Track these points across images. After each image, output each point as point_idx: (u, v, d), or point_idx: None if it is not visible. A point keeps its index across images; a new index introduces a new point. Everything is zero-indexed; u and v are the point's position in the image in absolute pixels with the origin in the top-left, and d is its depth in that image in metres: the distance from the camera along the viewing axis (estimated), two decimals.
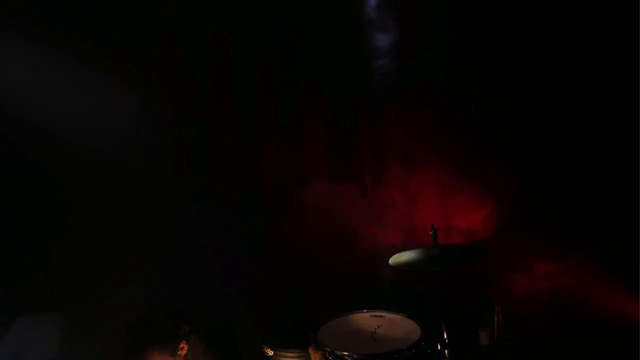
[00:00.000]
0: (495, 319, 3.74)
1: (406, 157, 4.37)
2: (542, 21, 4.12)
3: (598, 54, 4.02)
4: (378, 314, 3.48)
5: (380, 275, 4.25)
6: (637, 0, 3.74)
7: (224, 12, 4.21)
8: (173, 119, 4.16)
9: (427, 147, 4.29)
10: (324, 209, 4.34)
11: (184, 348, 3.32)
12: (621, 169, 3.97)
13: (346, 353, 3.06)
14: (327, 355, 3.11)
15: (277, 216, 4.37)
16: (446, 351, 3.12)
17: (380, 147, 4.43)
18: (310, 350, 3.24)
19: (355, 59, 4.34)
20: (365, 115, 4.42)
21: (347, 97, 4.41)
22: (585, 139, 4.12)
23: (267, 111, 4.38)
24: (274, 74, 4.35)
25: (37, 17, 3.59)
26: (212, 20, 4.20)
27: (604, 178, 4.08)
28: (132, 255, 3.77)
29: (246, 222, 4.38)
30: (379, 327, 3.34)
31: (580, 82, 4.11)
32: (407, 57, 4.31)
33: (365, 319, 3.45)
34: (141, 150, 3.96)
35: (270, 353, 3.43)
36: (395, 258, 3.40)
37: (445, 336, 3.13)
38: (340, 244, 4.32)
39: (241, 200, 4.40)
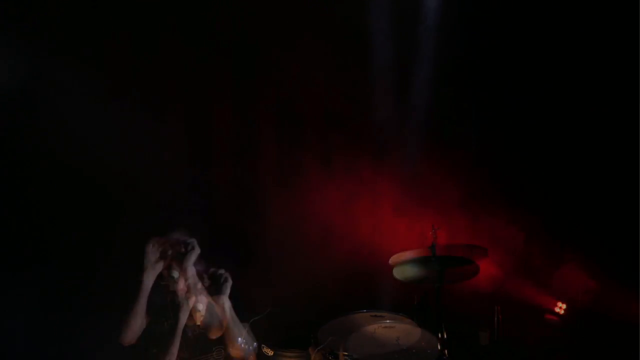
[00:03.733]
0: (495, 319, 3.74)
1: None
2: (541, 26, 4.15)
3: (599, 56, 4.04)
4: (378, 314, 3.48)
5: (381, 275, 4.25)
6: (637, 1, 3.75)
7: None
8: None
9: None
10: (324, 213, 4.35)
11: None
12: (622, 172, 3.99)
13: (346, 353, 3.06)
14: (327, 355, 3.11)
15: (277, 216, 4.38)
16: (446, 351, 3.11)
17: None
18: (310, 350, 3.24)
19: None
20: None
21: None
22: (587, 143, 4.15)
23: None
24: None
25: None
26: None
27: (605, 183, 4.10)
28: None
29: (245, 222, 4.39)
30: (376, 330, 3.34)
31: (580, 84, 4.13)
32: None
33: (365, 319, 3.45)
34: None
35: (270, 353, 3.43)
36: (395, 258, 3.40)
37: (445, 336, 3.12)
38: (342, 245, 4.33)
39: (243, 201, 4.41)
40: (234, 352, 2.92)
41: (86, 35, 3.80)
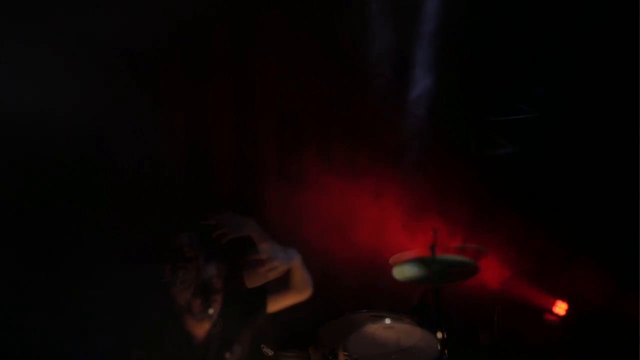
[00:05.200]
0: (495, 319, 3.75)
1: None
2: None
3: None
4: (378, 314, 3.48)
5: (381, 275, 4.25)
6: (637, 2, 3.76)
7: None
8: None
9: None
10: (325, 214, 4.35)
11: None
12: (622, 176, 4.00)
13: (346, 353, 3.06)
14: (327, 355, 3.11)
15: (276, 217, 4.38)
16: (446, 351, 3.12)
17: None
18: (310, 350, 3.24)
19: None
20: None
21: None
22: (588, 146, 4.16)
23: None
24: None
25: None
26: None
27: (605, 189, 4.11)
28: None
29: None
30: (376, 330, 3.33)
31: (587, 87, 4.13)
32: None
33: (365, 319, 3.44)
34: None
35: (271, 353, 3.43)
36: (395, 258, 3.41)
37: (445, 336, 3.13)
38: (342, 245, 4.33)
39: (242, 204, 4.40)
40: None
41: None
